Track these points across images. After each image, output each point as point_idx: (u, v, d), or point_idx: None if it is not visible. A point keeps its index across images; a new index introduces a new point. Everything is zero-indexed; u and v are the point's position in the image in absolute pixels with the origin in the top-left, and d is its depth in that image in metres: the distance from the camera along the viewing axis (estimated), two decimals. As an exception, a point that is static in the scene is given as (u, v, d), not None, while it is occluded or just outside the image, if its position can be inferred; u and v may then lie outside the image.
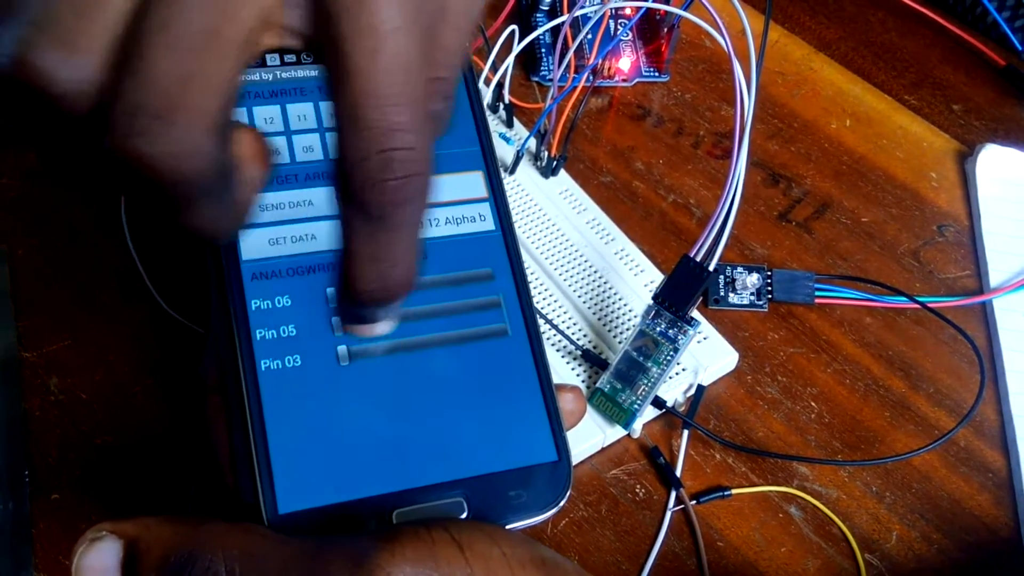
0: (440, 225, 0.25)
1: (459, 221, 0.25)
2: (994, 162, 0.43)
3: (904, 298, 0.38)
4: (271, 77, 0.25)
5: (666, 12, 0.45)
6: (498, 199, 0.26)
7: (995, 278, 0.40)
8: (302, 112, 0.25)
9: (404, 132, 0.17)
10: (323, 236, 0.24)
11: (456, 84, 0.19)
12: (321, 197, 0.25)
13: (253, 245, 0.24)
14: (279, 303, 0.23)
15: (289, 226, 0.24)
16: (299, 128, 0.25)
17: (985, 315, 0.39)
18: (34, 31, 0.15)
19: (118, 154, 0.15)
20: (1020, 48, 0.48)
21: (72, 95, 0.15)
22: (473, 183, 0.26)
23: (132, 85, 0.15)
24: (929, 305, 0.38)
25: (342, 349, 0.23)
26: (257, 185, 0.19)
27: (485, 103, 0.42)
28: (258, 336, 0.23)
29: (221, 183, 0.17)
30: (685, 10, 0.37)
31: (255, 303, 0.23)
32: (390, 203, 0.18)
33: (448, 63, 0.19)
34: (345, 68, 0.17)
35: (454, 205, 0.26)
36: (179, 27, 0.15)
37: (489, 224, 0.26)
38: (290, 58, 0.25)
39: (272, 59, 0.25)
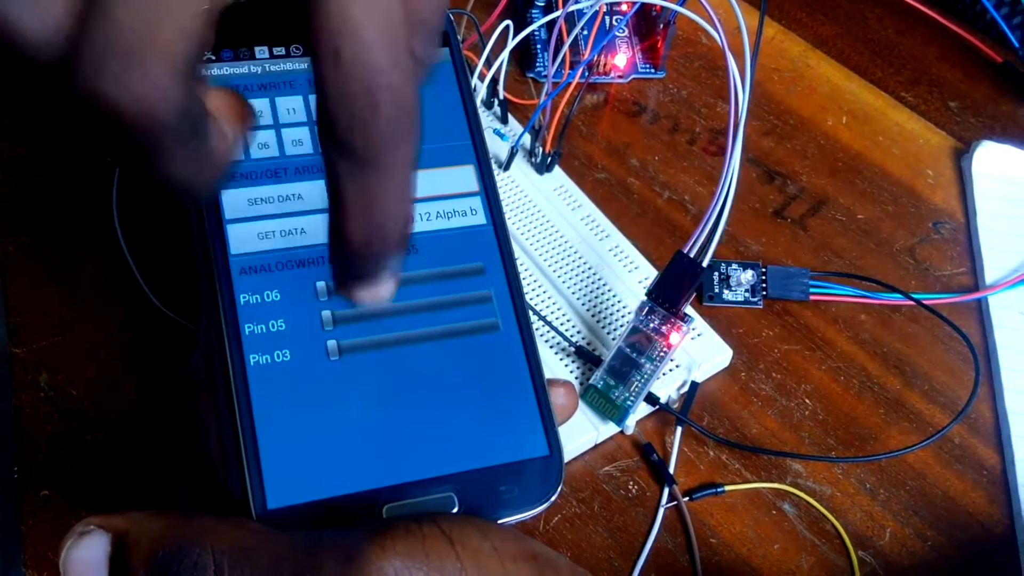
0: (431, 219, 0.25)
1: (450, 215, 0.25)
2: (990, 159, 0.43)
3: (899, 295, 0.38)
4: (260, 70, 0.25)
5: (662, 8, 0.45)
6: (489, 193, 0.26)
7: (991, 275, 0.40)
8: (291, 106, 0.25)
9: (389, 70, 0.16)
10: (312, 230, 0.24)
11: (440, 29, 0.19)
12: (310, 191, 0.25)
13: (242, 239, 0.24)
14: (268, 297, 0.23)
15: (278, 220, 0.24)
16: (288, 121, 0.25)
17: (980, 312, 0.39)
18: None
19: (86, 99, 0.15)
20: (1017, 45, 0.48)
21: (39, 43, 0.15)
22: (464, 177, 0.26)
23: (97, 28, 0.15)
24: (924, 302, 0.38)
25: (332, 344, 0.23)
26: (232, 142, 0.18)
27: (480, 99, 0.42)
28: (247, 331, 0.23)
29: (192, 131, 0.17)
30: (681, 6, 0.37)
31: (244, 297, 0.23)
32: (379, 144, 0.17)
33: (431, 4, 0.18)
34: (325, 6, 0.16)
35: (445, 199, 0.25)
36: None
37: (480, 218, 0.25)
38: (279, 51, 0.25)
39: (261, 52, 0.25)
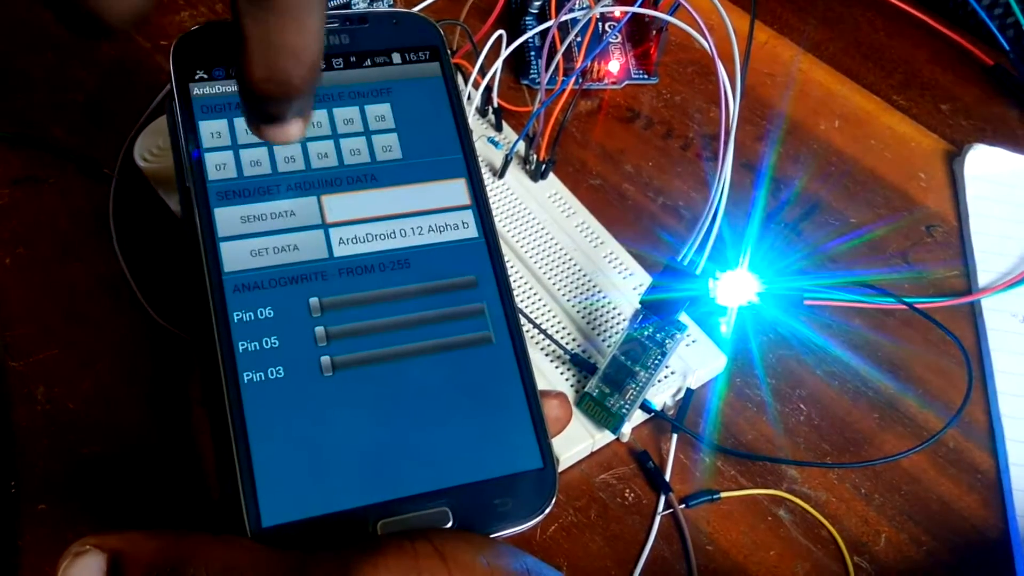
0: (423, 233, 0.25)
1: (442, 229, 0.25)
2: (982, 162, 0.43)
3: (892, 299, 0.38)
4: (252, 87, 0.25)
5: (653, 16, 0.45)
6: (481, 206, 0.26)
7: (983, 278, 0.40)
8: (284, 122, 0.25)
9: None
10: (305, 247, 0.24)
11: None
12: (303, 208, 0.25)
13: (235, 257, 0.24)
14: (261, 315, 0.23)
15: (271, 237, 0.24)
16: (281, 138, 0.25)
17: (973, 315, 0.39)
18: None
19: None
20: (1008, 48, 0.48)
21: None
22: (456, 191, 0.26)
23: None
24: (917, 306, 0.38)
25: (325, 360, 0.23)
26: None
27: (474, 107, 0.42)
28: (240, 348, 0.23)
29: None
30: (671, 15, 0.37)
31: (237, 315, 0.23)
32: None
33: None
34: None
35: (437, 213, 0.26)
36: None
37: (472, 231, 0.26)
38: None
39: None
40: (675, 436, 0.35)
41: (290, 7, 0.18)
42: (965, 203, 0.43)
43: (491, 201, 0.40)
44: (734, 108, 0.33)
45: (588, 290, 0.38)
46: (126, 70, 0.44)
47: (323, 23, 0.19)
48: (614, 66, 0.46)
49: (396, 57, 0.27)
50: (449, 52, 0.28)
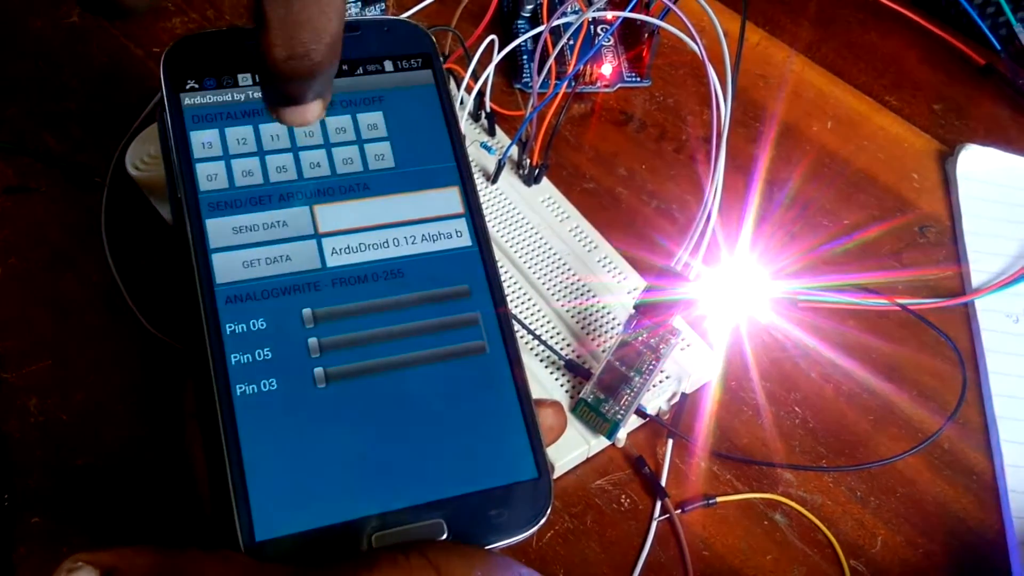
0: (416, 242, 0.25)
1: (435, 238, 0.25)
2: (975, 162, 0.43)
3: (886, 301, 0.38)
4: (243, 97, 0.25)
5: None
6: (474, 214, 0.26)
7: (977, 279, 0.40)
8: (275, 132, 0.25)
9: None
10: (298, 257, 0.24)
11: None
12: (295, 218, 0.25)
13: (227, 268, 0.24)
14: (254, 326, 0.23)
15: (263, 247, 0.24)
16: (272, 148, 0.25)
17: (968, 316, 0.39)
18: None
19: None
20: (999, 47, 0.48)
21: None
22: (449, 199, 0.26)
23: None
24: (910, 308, 0.38)
25: (318, 371, 0.23)
26: None
27: (467, 111, 0.42)
28: (233, 361, 0.23)
29: None
30: (662, 19, 0.37)
31: (229, 327, 0.23)
32: None
33: None
34: None
35: (430, 222, 0.25)
36: None
37: (466, 240, 0.26)
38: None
39: (244, 79, 0.25)
40: (670, 441, 0.35)
41: None
42: (958, 203, 0.43)
43: (484, 206, 0.40)
44: (725, 111, 0.33)
45: (582, 295, 0.38)
46: (118, 78, 0.44)
47: (345, 1, 0.19)
48: (607, 69, 0.46)
49: (388, 65, 0.27)
50: (441, 58, 0.27)
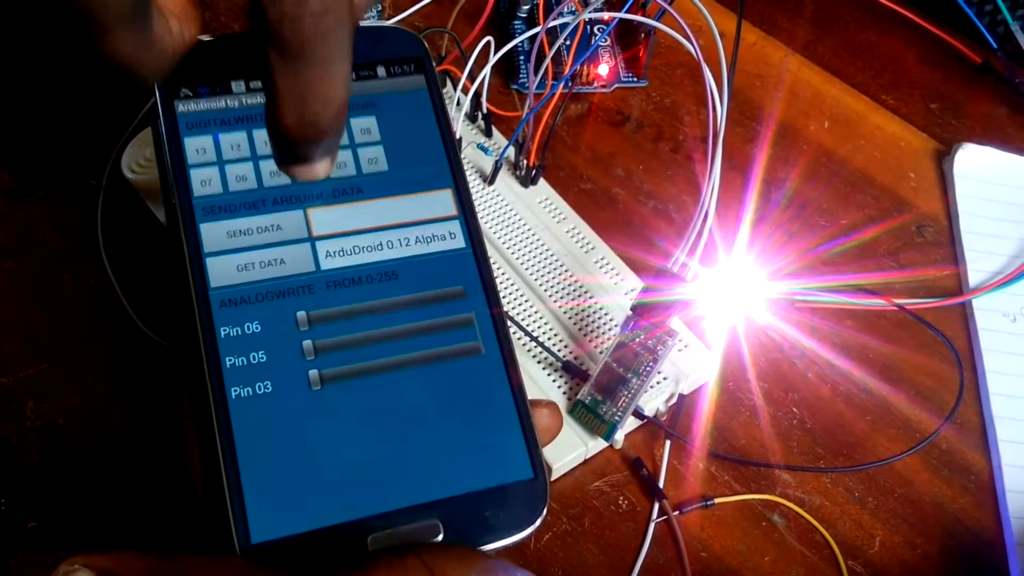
0: (410, 244, 0.25)
1: (429, 240, 0.25)
2: (972, 161, 0.43)
3: (883, 301, 0.38)
4: (237, 103, 0.25)
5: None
6: (468, 216, 0.26)
7: (974, 278, 0.40)
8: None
9: None
10: (292, 260, 0.24)
11: None
12: (289, 221, 0.25)
13: (221, 272, 0.24)
14: (248, 330, 0.23)
15: (257, 251, 0.24)
16: (265, 153, 0.25)
17: (965, 315, 0.39)
18: None
19: None
20: (996, 46, 0.48)
21: None
22: (442, 201, 0.26)
23: None
24: (908, 307, 0.38)
25: (313, 374, 0.23)
26: (179, 37, 0.20)
27: (463, 112, 0.42)
28: (228, 364, 0.23)
29: (135, 10, 0.18)
30: (658, 19, 0.37)
31: (224, 331, 0.23)
32: (308, 38, 0.18)
33: None
34: None
35: (423, 224, 0.25)
36: None
37: (460, 242, 0.26)
38: (256, 84, 0.25)
39: (237, 86, 0.25)
40: (668, 442, 0.35)
41: (322, 59, 0.18)
42: (955, 202, 0.43)
43: (481, 208, 0.40)
44: (722, 111, 0.33)
45: (579, 296, 0.38)
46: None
47: (350, 69, 0.19)
48: (603, 69, 0.46)
49: (380, 70, 0.27)
50: (435, 62, 0.27)
